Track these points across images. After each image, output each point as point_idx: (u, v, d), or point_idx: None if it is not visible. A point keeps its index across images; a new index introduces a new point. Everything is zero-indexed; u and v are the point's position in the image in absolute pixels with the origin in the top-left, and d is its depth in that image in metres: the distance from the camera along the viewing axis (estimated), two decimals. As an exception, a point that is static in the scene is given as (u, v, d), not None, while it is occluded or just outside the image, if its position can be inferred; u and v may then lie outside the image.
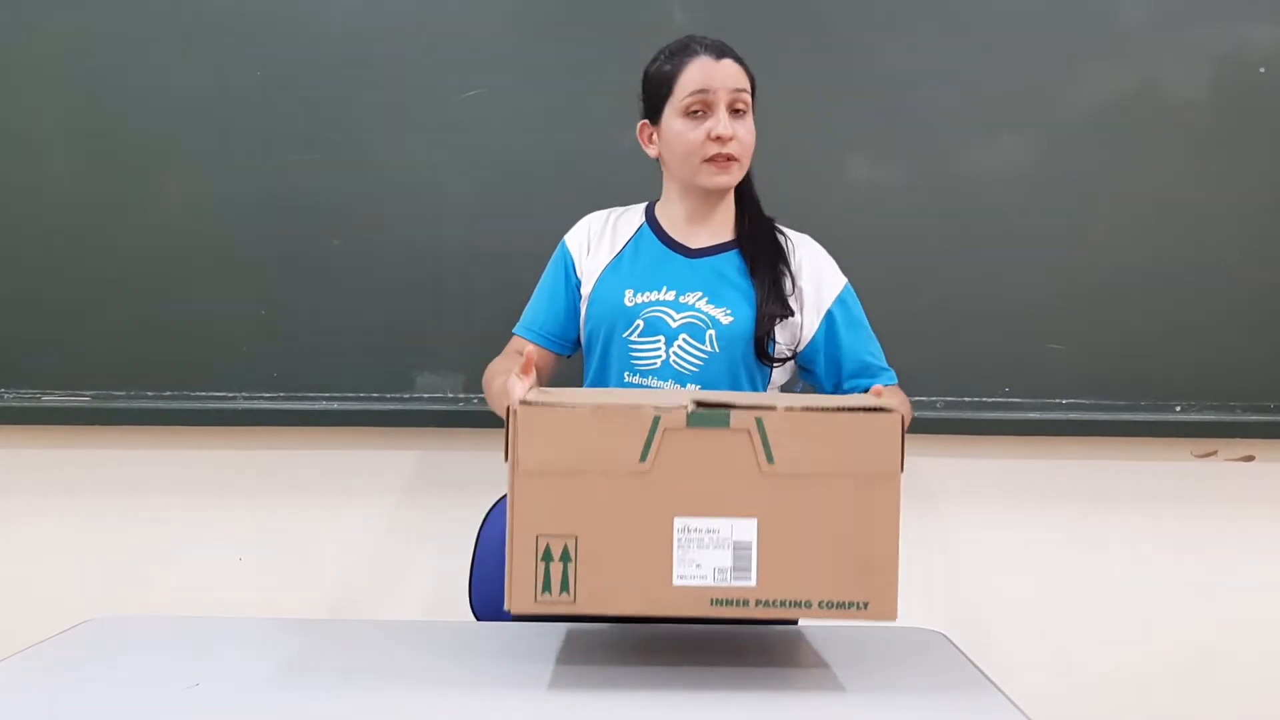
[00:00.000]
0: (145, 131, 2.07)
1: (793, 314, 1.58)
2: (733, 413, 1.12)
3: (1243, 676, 2.19)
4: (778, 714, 1.14)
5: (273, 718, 1.12)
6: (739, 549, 1.13)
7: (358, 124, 2.07)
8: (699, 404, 1.13)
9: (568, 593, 1.13)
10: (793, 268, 1.62)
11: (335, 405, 2.08)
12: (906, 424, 1.54)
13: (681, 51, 1.58)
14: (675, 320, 1.56)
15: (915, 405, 2.07)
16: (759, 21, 2.01)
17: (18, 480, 2.19)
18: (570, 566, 1.13)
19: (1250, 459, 2.16)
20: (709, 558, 1.13)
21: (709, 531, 1.13)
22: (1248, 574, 2.18)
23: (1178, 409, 2.08)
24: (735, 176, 1.58)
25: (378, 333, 2.08)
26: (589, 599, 1.13)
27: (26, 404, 2.10)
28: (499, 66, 2.06)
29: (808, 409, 1.14)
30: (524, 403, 1.13)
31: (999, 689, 1.22)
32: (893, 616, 1.15)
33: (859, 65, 2.06)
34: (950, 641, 1.40)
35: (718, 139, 1.53)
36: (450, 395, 2.07)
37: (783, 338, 1.59)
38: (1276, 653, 2.19)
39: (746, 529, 1.13)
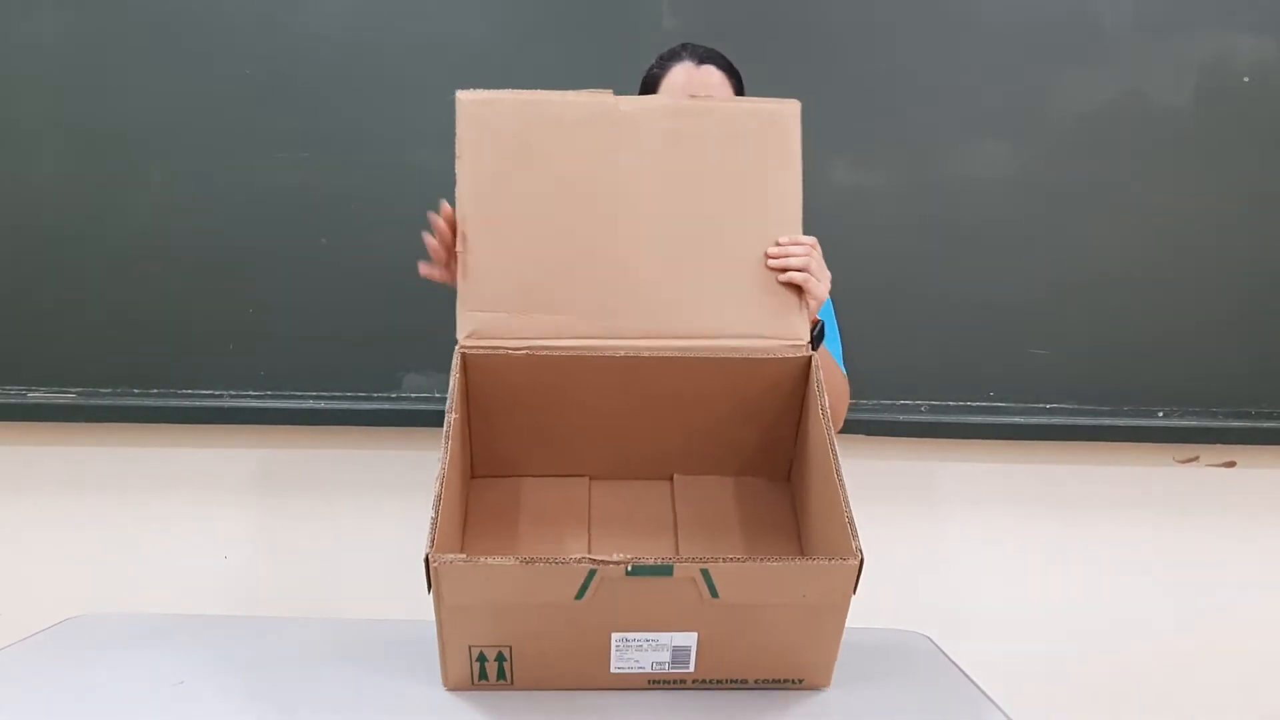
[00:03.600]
0: (132, 129, 2.06)
1: None
2: (676, 565, 1.03)
3: (1224, 680, 2.21)
4: (762, 714, 1.14)
5: (257, 717, 1.12)
6: (678, 652, 1.11)
7: (345, 123, 2.06)
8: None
9: (505, 679, 1.13)
10: None
11: (322, 404, 2.07)
12: (842, 411, 1.57)
13: (669, 56, 1.62)
14: None
15: (900, 409, 2.10)
16: (748, 26, 2.02)
17: (1, 477, 2.18)
18: (507, 665, 1.12)
19: (1232, 465, 2.18)
20: (648, 657, 1.11)
21: (648, 640, 1.10)
22: (1229, 579, 2.20)
23: (1160, 414, 2.10)
24: None
25: (365, 332, 2.08)
26: (526, 683, 1.13)
27: (11, 400, 2.09)
28: (488, 67, 2.06)
29: (756, 559, 1.05)
30: (446, 560, 1.01)
31: (982, 691, 1.23)
32: (827, 684, 1.19)
33: (845, 71, 2.07)
34: (934, 643, 1.41)
35: None
36: (437, 395, 2.07)
37: None
38: (1257, 657, 2.21)
39: (687, 638, 1.10)
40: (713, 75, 1.59)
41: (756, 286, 1.29)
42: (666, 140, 1.30)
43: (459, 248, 1.27)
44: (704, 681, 1.14)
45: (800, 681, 1.17)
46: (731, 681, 1.15)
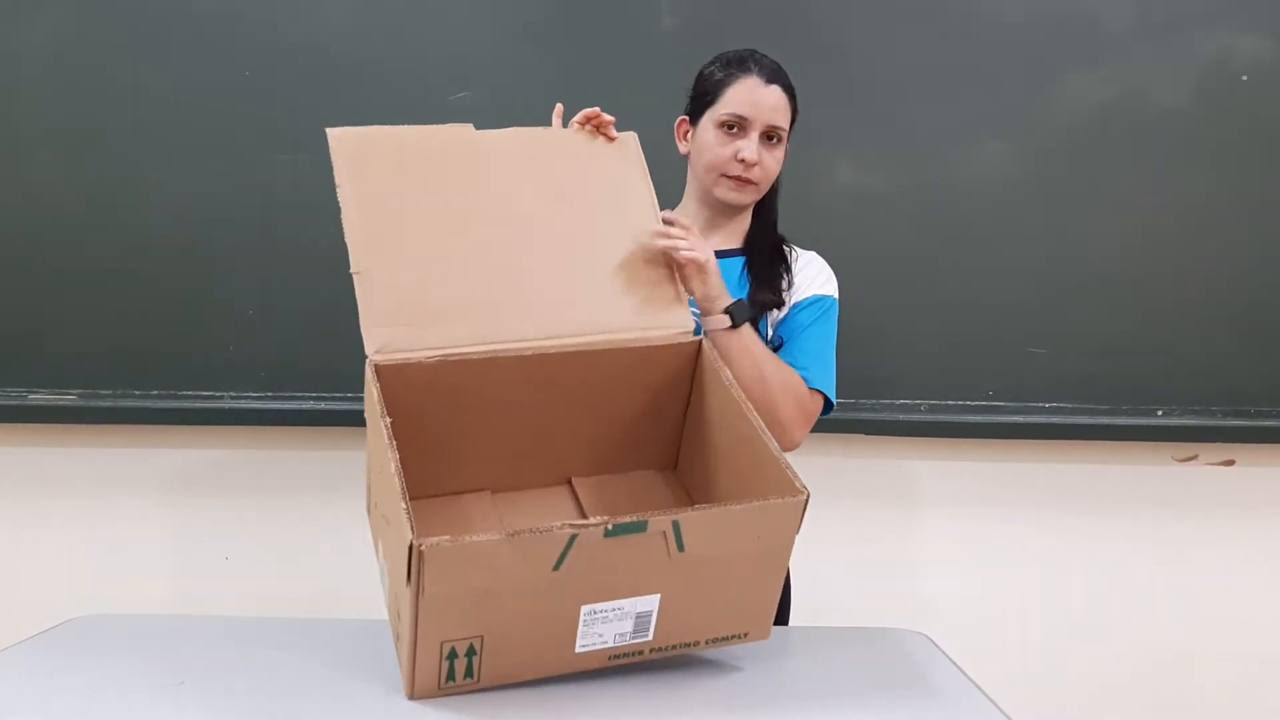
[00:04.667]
0: (133, 129, 2.07)
1: (782, 304, 1.61)
2: (650, 520, 1.08)
3: (1222, 678, 2.21)
4: (760, 715, 1.15)
5: (258, 717, 1.12)
6: (640, 618, 1.15)
7: (347, 124, 2.06)
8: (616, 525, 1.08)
9: (472, 678, 1.13)
10: (792, 271, 1.65)
11: (322, 405, 2.08)
12: (792, 416, 1.55)
13: (737, 64, 1.59)
14: None
15: (900, 408, 2.10)
16: (747, 27, 2.02)
17: (3, 478, 2.19)
18: (476, 659, 1.12)
19: (1230, 463, 2.18)
20: (611, 629, 1.15)
21: (614, 610, 1.13)
22: (1227, 577, 2.20)
23: (1159, 413, 2.10)
24: (749, 198, 1.61)
25: (365, 333, 2.08)
26: (494, 678, 1.14)
27: (13, 402, 2.09)
28: (488, 68, 2.06)
29: (720, 505, 1.14)
30: (433, 544, 1.02)
31: (981, 690, 1.23)
32: (766, 636, 1.24)
33: (846, 71, 2.07)
34: (933, 643, 1.41)
35: (742, 161, 1.56)
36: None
37: (766, 332, 1.61)
38: (1255, 655, 2.21)
39: (649, 602, 1.14)
40: (778, 97, 1.58)
41: (635, 286, 1.38)
42: (525, 161, 1.40)
43: (353, 269, 1.31)
44: (660, 649, 1.18)
45: (745, 635, 1.22)
46: (684, 645, 1.20)
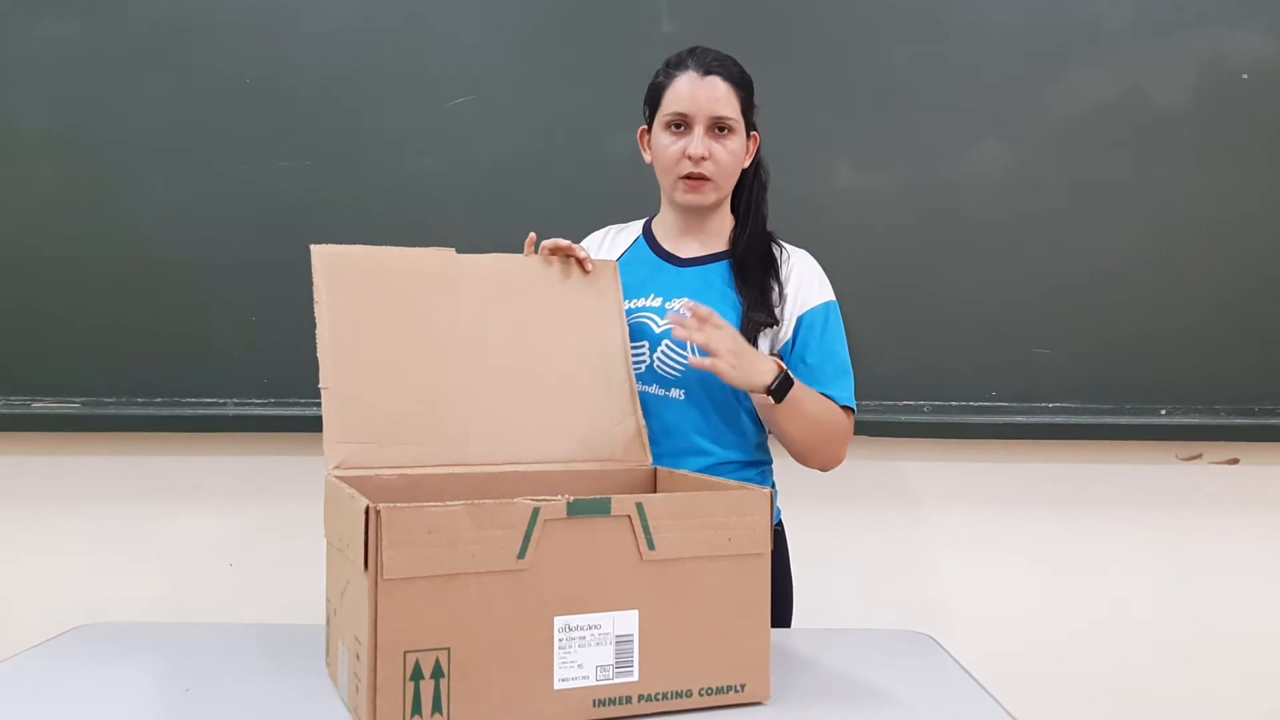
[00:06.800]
0: (134, 138, 2.07)
1: (778, 323, 1.58)
2: (613, 500, 1.10)
3: (1228, 676, 2.21)
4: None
5: (263, 723, 1.12)
6: (620, 643, 1.12)
7: (347, 131, 2.07)
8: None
9: (440, 714, 1.04)
10: (781, 279, 1.62)
11: (325, 411, 2.08)
12: (832, 447, 1.57)
13: (676, 65, 1.58)
14: (659, 326, 1.57)
15: (903, 409, 2.10)
16: (747, 29, 2.02)
17: (7, 487, 2.19)
18: (443, 683, 1.04)
19: (1235, 462, 2.18)
20: (590, 656, 1.10)
21: (590, 628, 1.10)
22: (1232, 576, 2.20)
23: (1163, 412, 2.10)
24: (707, 197, 1.58)
25: (368, 339, 2.08)
26: (464, 716, 1.06)
27: (16, 411, 2.09)
28: (487, 74, 2.07)
29: (685, 492, 1.18)
30: (392, 507, 1.01)
31: (985, 690, 1.23)
32: (767, 697, 1.17)
33: (846, 73, 2.07)
34: (937, 643, 1.41)
35: (690, 158, 1.55)
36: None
37: (764, 346, 1.59)
38: (1260, 653, 2.21)
39: (628, 621, 1.12)
40: (717, 88, 1.55)
41: (598, 420, 1.44)
42: (502, 289, 1.46)
43: (322, 385, 1.34)
44: (649, 697, 1.13)
45: (742, 688, 1.17)
46: (676, 695, 1.14)
